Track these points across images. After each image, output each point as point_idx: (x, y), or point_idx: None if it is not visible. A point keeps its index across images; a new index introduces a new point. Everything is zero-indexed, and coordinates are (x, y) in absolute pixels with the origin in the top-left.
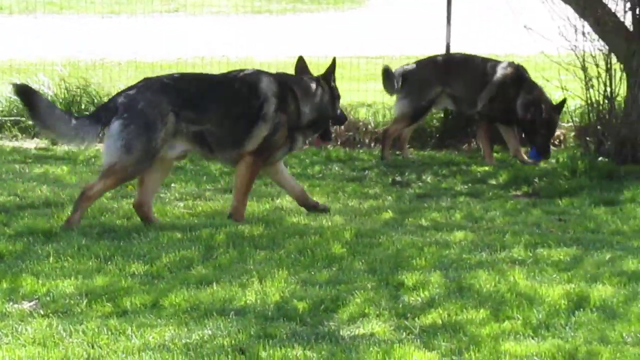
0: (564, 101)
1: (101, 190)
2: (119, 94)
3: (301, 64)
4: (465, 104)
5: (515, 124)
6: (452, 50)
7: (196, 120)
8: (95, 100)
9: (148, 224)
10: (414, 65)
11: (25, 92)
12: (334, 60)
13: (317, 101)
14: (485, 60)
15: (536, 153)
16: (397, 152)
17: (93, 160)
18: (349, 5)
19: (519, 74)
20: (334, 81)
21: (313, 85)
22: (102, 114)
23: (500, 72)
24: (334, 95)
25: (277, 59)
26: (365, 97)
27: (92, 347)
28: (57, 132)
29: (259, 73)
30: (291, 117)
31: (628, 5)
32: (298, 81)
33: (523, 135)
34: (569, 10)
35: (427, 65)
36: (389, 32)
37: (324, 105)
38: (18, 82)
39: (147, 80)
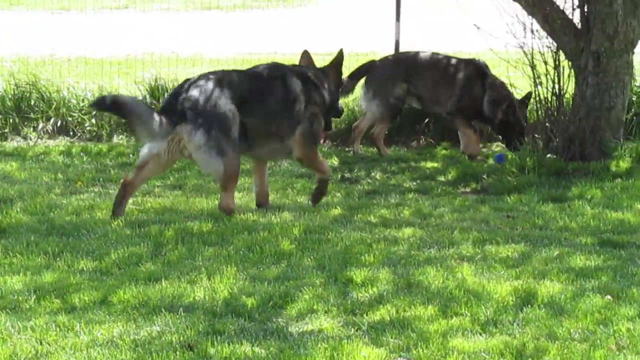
0: (529, 94)
1: (233, 197)
2: (180, 94)
3: (306, 56)
4: (429, 102)
5: (487, 124)
6: (402, 48)
7: (246, 114)
8: (45, 97)
9: (118, 207)
10: (375, 65)
11: (114, 103)
12: (341, 51)
13: (330, 91)
14: (447, 58)
15: (500, 157)
16: (347, 148)
17: (42, 156)
18: (298, 2)
19: (482, 72)
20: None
21: (328, 78)
22: (172, 117)
23: (463, 70)
24: (339, 86)
25: (227, 56)
26: None
27: (41, 343)
28: (145, 127)
29: (287, 68)
30: (320, 107)
31: (576, 2)
32: (318, 73)
33: (500, 137)
34: (518, 8)
35: (388, 63)
36: (338, 28)
37: (335, 95)
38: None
39: (202, 77)
